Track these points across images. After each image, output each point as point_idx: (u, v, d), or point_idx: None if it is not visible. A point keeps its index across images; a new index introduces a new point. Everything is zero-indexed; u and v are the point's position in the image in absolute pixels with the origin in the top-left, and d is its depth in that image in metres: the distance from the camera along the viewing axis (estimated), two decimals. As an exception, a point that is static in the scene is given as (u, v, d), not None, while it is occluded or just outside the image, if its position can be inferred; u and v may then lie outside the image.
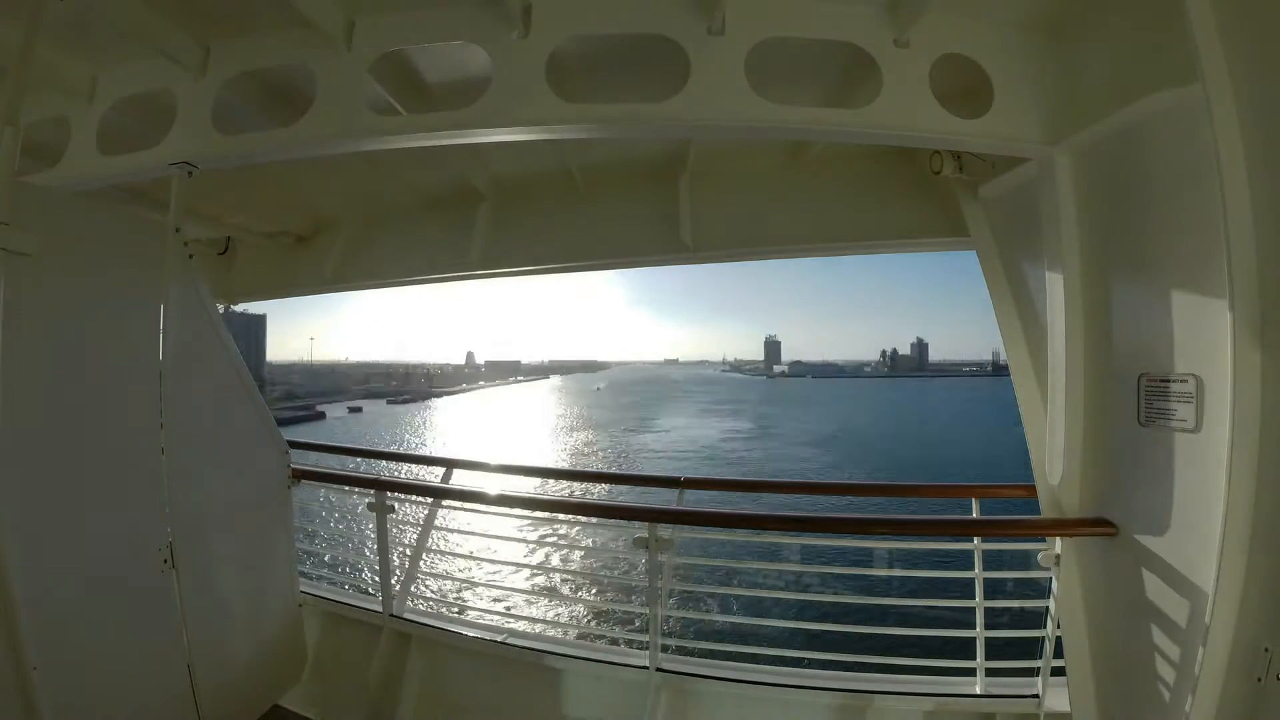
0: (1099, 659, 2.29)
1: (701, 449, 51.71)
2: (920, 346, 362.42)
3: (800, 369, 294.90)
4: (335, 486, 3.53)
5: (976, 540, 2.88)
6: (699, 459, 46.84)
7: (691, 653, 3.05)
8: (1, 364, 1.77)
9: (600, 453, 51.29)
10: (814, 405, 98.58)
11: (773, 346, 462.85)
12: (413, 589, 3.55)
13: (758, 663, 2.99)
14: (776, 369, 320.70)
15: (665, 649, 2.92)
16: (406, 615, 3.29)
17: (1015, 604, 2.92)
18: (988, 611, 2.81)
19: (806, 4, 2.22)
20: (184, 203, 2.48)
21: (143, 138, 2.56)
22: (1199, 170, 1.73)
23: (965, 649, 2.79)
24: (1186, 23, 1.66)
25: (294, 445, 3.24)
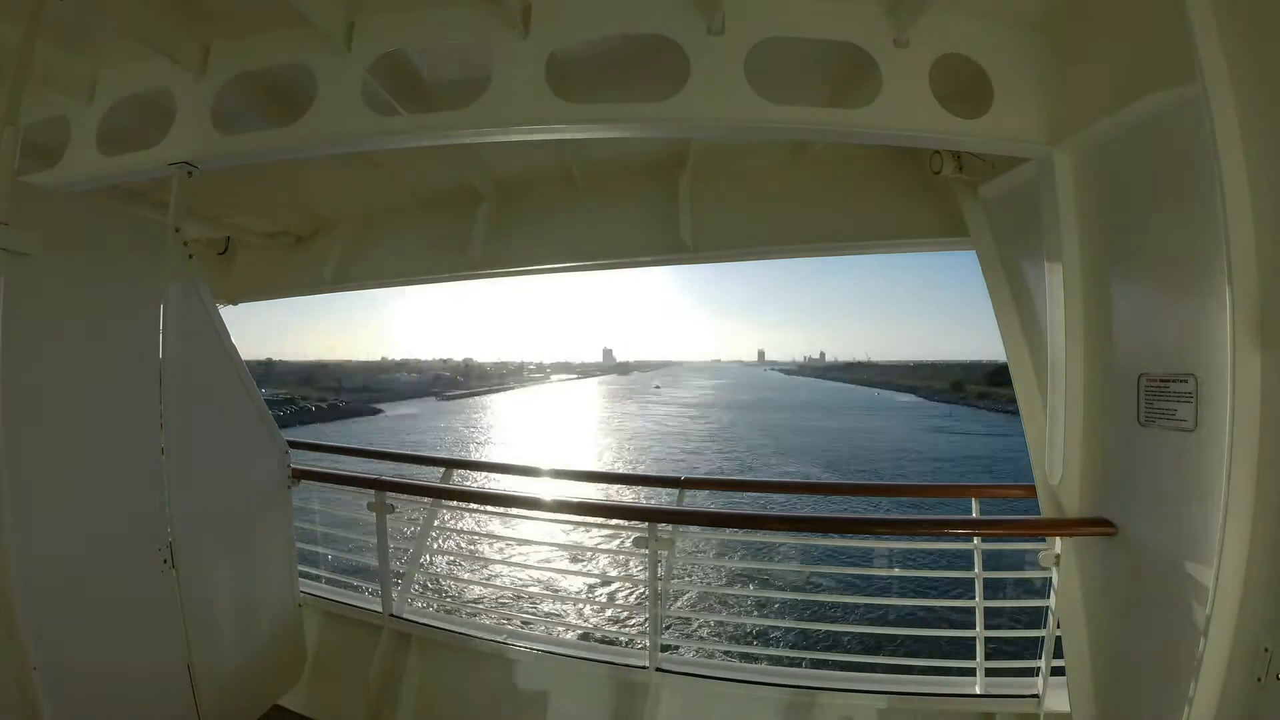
0: (1099, 659, 2.29)
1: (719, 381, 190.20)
2: (822, 354, 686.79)
3: (767, 365, 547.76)
4: (335, 486, 3.53)
5: (976, 540, 2.88)
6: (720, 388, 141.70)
7: (692, 652, 3.04)
8: (2, 364, 1.77)
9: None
10: (755, 376, 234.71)
11: (760, 352, 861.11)
12: (412, 589, 3.55)
13: (758, 662, 2.99)
14: (758, 365, 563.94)
15: (665, 649, 2.92)
16: (406, 615, 3.29)
17: (1015, 604, 2.92)
18: (987, 611, 2.81)
19: (806, 4, 2.21)
20: (184, 203, 2.48)
21: (143, 138, 2.56)
22: (1199, 170, 1.72)
23: (965, 649, 2.79)
24: (1186, 23, 1.65)
25: (294, 445, 3.24)
